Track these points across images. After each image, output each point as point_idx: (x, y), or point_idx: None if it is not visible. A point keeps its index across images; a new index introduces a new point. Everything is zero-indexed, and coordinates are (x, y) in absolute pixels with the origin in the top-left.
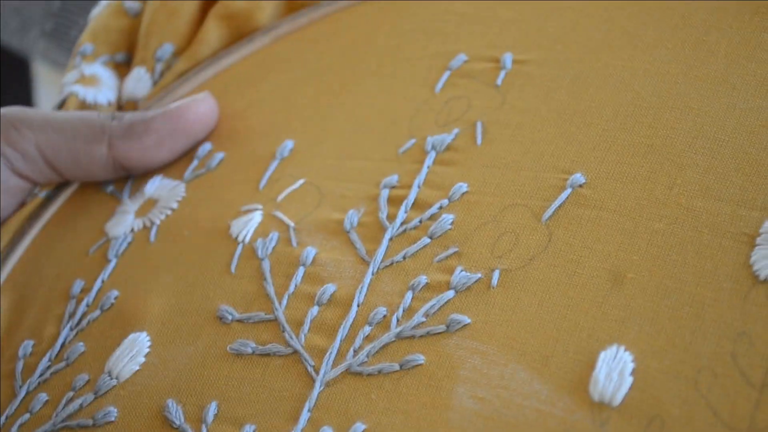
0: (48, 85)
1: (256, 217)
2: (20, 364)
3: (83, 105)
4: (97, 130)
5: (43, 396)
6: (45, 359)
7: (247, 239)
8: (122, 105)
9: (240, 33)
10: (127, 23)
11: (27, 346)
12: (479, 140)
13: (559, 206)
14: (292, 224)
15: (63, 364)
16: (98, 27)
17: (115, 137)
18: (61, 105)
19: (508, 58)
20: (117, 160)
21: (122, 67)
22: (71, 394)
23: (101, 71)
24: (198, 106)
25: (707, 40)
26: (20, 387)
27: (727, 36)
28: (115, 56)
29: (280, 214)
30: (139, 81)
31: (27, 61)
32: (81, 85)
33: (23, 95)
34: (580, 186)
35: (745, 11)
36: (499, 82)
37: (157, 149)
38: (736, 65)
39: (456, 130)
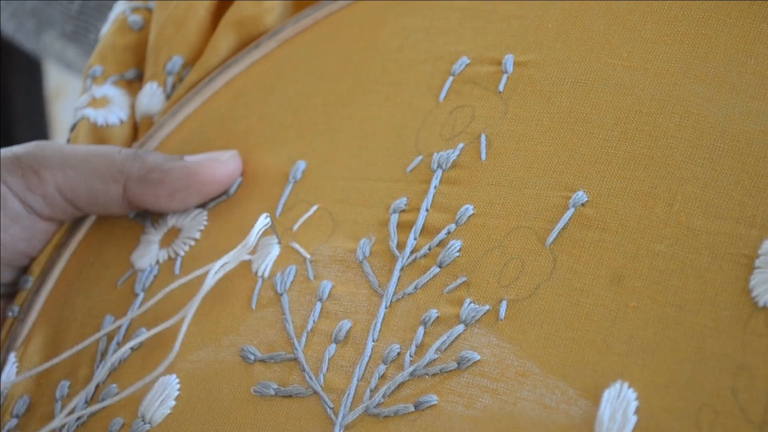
0: (56, 70)
1: (274, 250)
2: (58, 406)
3: (94, 127)
4: (116, 170)
5: None
6: (81, 401)
7: (266, 274)
8: (137, 122)
9: (249, 38)
10: (133, 38)
11: (63, 387)
12: (484, 155)
13: (563, 228)
14: (308, 257)
15: (98, 406)
16: (105, 47)
17: (131, 180)
18: (73, 129)
19: (509, 60)
20: (130, 200)
21: (134, 84)
22: None
23: (111, 91)
24: (217, 169)
25: (706, 33)
26: (59, 430)
27: (726, 28)
28: (126, 74)
29: (296, 246)
30: (152, 96)
31: (38, 62)
32: (92, 107)
33: (35, 96)
34: (583, 205)
35: None
36: (501, 87)
37: (169, 200)
38: (735, 62)
39: (461, 145)
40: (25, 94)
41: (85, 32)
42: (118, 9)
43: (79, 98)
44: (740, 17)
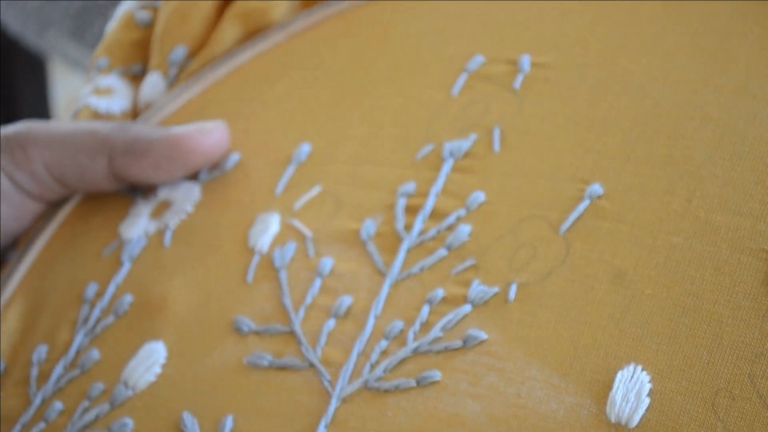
0: (65, 82)
1: (273, 226)
2: (35, 371)
3: (96, 115)
4: (100, 142)
5: (59, 405)
6: (59, 366)
7: (265, 249)
8: (139, 112)
9: (256, 30)
10: (140, 35)
11: (41, 351)
12: (497, 147)
13: (577, 218)
14: (309, 234)
15: (78, 371)
16: (112, 41)
17: (116, 152)
18: (75, 117)
19: (525, 60)
20: (116, 173)
21: (139, 78)
22: (87, 403)
23: (116, 82)
24: (202, 139)
25: (727, 46)
26: (35, 395)
27: (747, 42)
28: (131, 68)
29: (297, 223)
30: (154, 86)
31: (43, 59)
32: (95, 96)
33: (40, 93)
34: (599, 197)
35: (767, 14)
36: (517, 85)
37: (154, 171)
38: (756, 73)
39: (474, 136)
40: (30, 98)
41: (83, 32)
42: (125, 5)
43: (84, 87)
44: (762, 32)
